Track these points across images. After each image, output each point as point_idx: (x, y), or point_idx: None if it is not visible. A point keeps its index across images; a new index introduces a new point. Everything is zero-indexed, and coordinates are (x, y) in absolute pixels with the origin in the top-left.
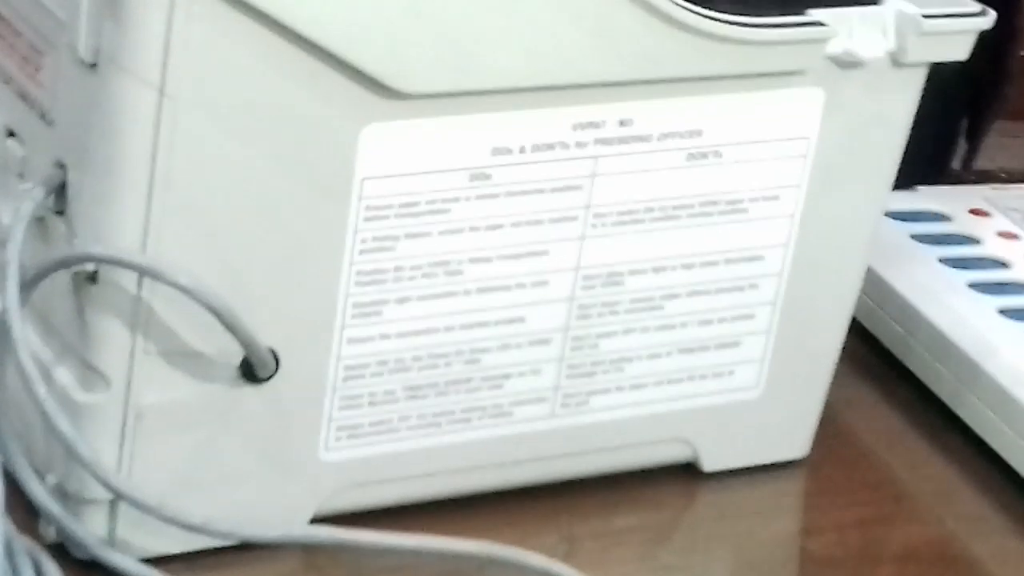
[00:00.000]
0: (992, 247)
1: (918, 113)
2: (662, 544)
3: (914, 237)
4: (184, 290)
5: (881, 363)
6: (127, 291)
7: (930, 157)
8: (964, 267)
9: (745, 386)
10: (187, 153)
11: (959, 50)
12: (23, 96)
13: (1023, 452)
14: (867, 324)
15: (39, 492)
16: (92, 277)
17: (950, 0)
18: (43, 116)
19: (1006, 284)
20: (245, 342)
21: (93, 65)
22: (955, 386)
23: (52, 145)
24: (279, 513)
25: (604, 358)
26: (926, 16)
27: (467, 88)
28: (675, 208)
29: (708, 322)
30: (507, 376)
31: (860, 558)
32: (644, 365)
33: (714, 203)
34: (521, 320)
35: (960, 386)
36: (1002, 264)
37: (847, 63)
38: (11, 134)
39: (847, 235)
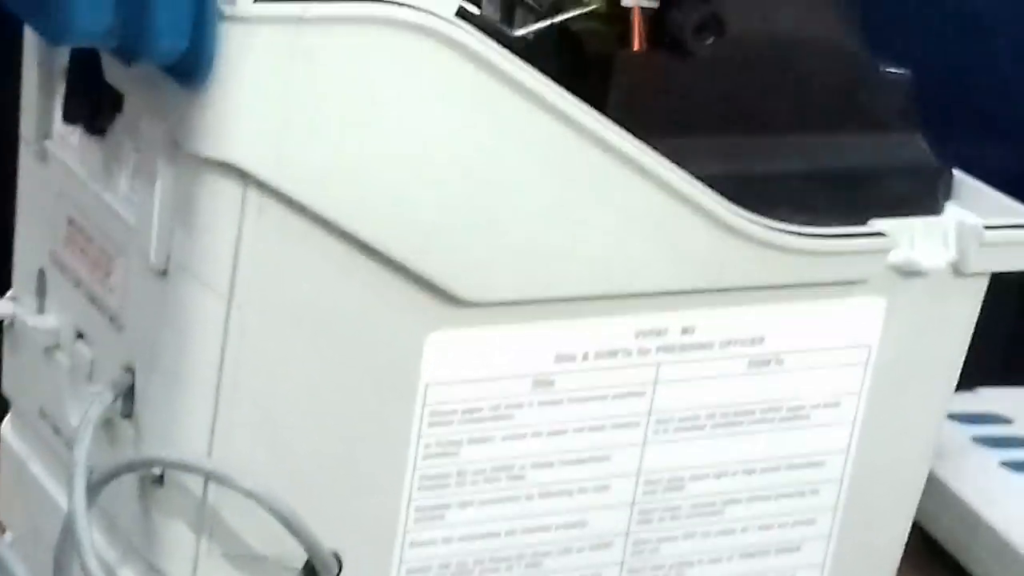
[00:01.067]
0: None
1: (992, 308)
2: None
3: (975, 440)
4: (250, 495)
5: (943, 567)
6: (193, 494)
7: (1003, 354)
8: None
9: None
10: (254, 358)
11: (1022, 260)
12: (93, 300)
13: None
14: (929, 528)
15: None
16: (159, 480)
17: (1013, 210)
18: (112, 320)
19: None
20: (309, 547)
21: (163, 272)
22: None
23: (121, 349)
24: None
25: (664, 562)
26: (988, 227)
27: (532, 297)
28: (736, 414)
29: (768, 527)
30: None
31: None
32: (705, 569)
33: (776, 409)
34: (583, 524)
35: None
36: None
37: (909, 272)
38: (80, 336)
39: (909, 440)
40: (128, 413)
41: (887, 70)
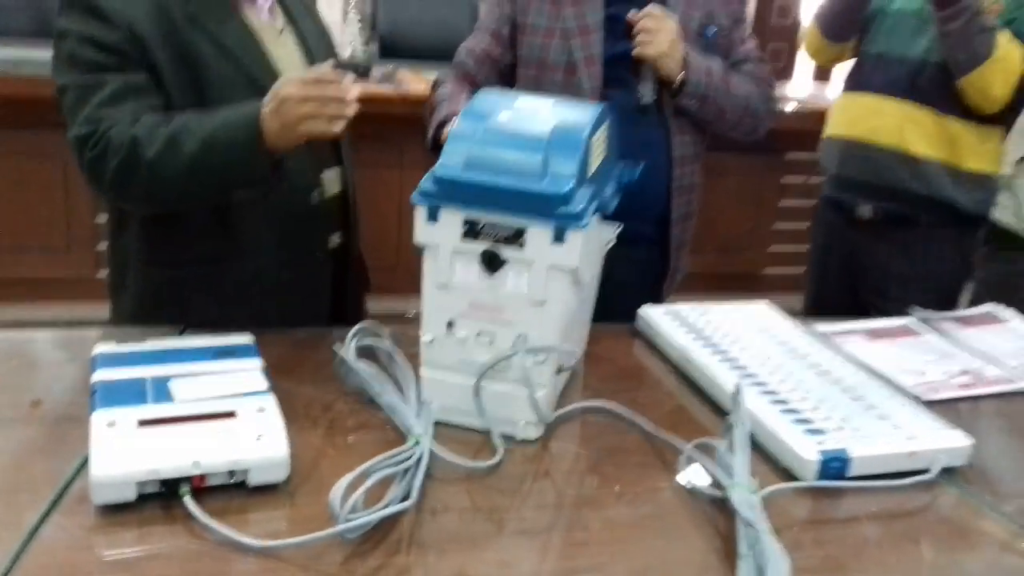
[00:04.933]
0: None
1: None
2: None
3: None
4: (562, 351)
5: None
6: (544, 363)
7: None
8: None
9: None
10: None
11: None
12: (493, 321)
13: None
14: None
15: None
16: (542, 362)
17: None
18: (505, 324)
19: None
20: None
21: (542, 303)
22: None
23: (512, 333)
24: None
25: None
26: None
27: None
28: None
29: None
30: None
31: None
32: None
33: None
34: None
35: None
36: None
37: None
38: (478, 334)
39: (589, 304)
40: (519, 349)
41: None
